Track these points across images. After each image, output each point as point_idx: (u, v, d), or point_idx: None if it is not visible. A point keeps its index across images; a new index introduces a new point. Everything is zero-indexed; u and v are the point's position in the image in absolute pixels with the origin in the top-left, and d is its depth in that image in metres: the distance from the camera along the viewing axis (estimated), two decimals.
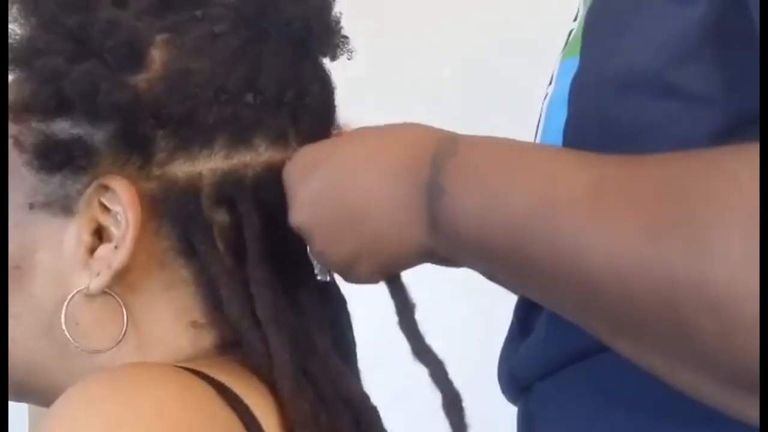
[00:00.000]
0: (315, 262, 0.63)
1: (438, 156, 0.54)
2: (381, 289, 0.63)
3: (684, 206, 0.43)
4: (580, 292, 0.47)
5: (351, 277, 0.61)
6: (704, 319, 0.41)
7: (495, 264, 0.53)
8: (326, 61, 0.68)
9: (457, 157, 0.54)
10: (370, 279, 0.61)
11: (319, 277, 0.64)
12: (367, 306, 0.71)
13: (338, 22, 0.67)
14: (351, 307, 0.69)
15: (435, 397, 0.61)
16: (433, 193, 0.54)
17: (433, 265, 0.61)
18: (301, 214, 0.60)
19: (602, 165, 0.48)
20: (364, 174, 0.57)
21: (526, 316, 0.64)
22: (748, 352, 0.40)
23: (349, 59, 0.68)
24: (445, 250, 0.55)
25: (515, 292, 0.66)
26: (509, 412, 0.66)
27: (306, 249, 0.63)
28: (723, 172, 0.42)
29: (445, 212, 0.53)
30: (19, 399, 0.64)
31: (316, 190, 0.59)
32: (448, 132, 0.57)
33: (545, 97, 0.65)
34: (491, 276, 0.59)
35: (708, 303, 0.41)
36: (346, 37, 0.67)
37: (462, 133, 0.57)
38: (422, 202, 0.54)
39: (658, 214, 0.43)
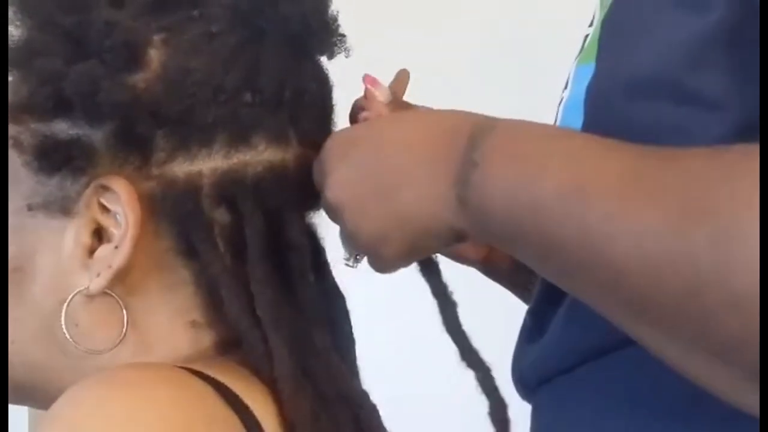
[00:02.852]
0: (344, 248, 0.63)
1: (475, 134, 0.55)
2: (381, 289, 0.63)
3: (711, 200, 0.43)
4: (605, 277, 0.47)
5: (379, 261, 0.61)
6: (727, 311, 0.42)
7: (521, 244, 0.53)
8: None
9: (493, 136, 0.54)
10: (397, 262, 0.61)
11: (347, 264, 0.64)
12: (367, 305, 0.71)
13: (335, 20, 0.67)
14: (351, 304, 0.69)
15: (435, 397, 0.62)
16: (465, 167, 0.54)
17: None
18: (336, 190, 0.60)
19: (635, 154, 0.49)
20: (400, 152, 0.58)
21: (540, 316, 0.64)
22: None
23: (346, 57, 0.68)
24: (472, 228, 0.55)
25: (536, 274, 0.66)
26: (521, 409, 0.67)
27: (310, 246, 0.64)
28: (747, 169, 0.43)
29: (475, 187, 0.53)
30: (19, 401, 0.64)
31: (353, 167, 0.60)
32: (486, 115, 0.58)
33: (560, 102, 0.66)
34: (515, 256, 0.59)
35: (731, 296, 0.41)
36: (343, 35, 0.67)
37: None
38: (454, 177, 0.54)
39: (686, 206, 0.44)
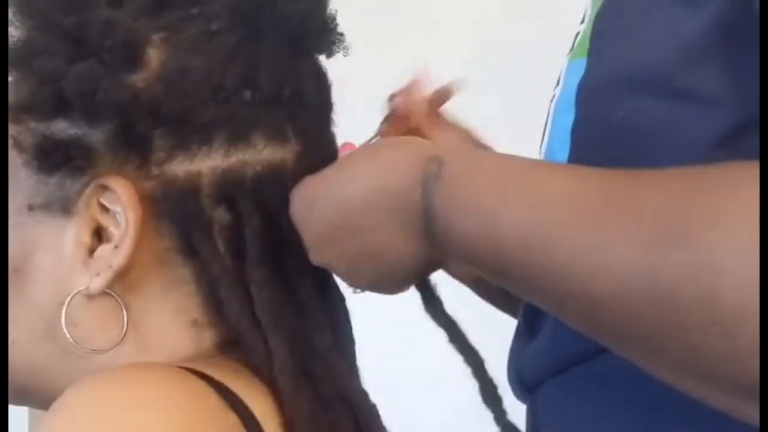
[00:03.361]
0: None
1: (425, 181, 0.54)
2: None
3: (689, 226, 0.42)
4: (585, 311, 0.46)
5: (380, 292, 0.62)
6: (713, 338, 0.41)
7: (498, 281, 0.53)
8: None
9: (443, 181, 0.53)
10: (398, 292, 0.62)
11: (354, 292, 0.65)
12: (366, 305, 0.71)
13: (334, 19, 0.67)
14: (350, 305, 0.69)
15: (435, 396, 0.62)
16: (428, 219, 0.54)
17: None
18: (316, 255, 0.61)
19: (604, 178, 0.47)
20: (365, 213, 0.57)
21: (533, 317, 0.64)
22: (756, 367, 0.40)
23: (345, 56, 0.68)
24: (453, 265, 0.56)
25: None
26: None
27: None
28: (727, 191, 0.42)
29: (440, 239, 0.54)
30: (20, 402, 0.64)
31: (320, 230, 0.60)
32: (431, 149, 0.56)
33: (552, 99, 0.65)
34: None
35: (716, 323, 0.40)
36: (341, 34, 0.67)
37: (444, 147, 0.57)
38: (422, 229, 0.54)
39: (663, 234, 0.42)
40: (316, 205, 0.60)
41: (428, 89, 0.73)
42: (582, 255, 0.45)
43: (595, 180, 0.47)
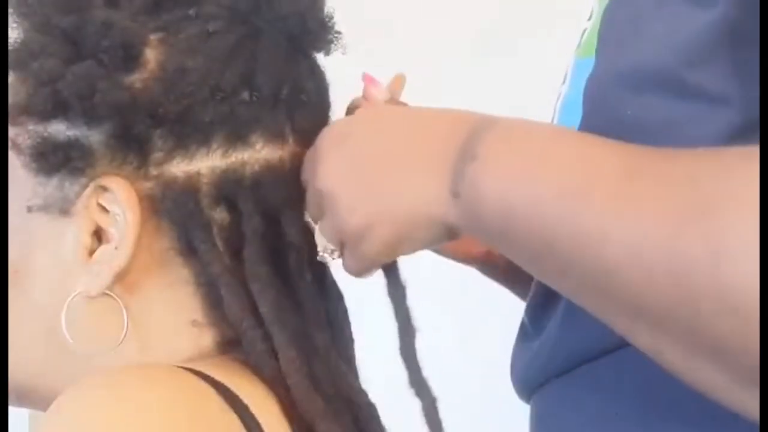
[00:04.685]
0: (321, 241, 0.62)
1: (476, 129, 0.54)
2: (380, 287, 0.63)
3: (707, 203, 0.43)
4: (599, 278, 0.47)
5: (359, 255, 0.60)
6: (723, 315, 0.42)
7: (512, 241, 0.53)
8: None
9: (495, 131, 0.54)
10: (379, 257, 0.60)
11: (321, 257, 0.64)
12: (366, 304, 0.71)
13: (331, 18, 0.67)
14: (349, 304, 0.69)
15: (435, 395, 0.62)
16: (462, 160, 0.53)
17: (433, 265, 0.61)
18: (326, 179, 0.59)
19: (635, 153, 0.49)
20: (397, 144, 0.58)
21: (537, 314, 0.64)
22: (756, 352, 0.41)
23: (343, 54, 0.68)
24: (463, 222, 0.55)
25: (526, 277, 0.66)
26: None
27: (308, 245, 0.63)
28: (743, 173, 0.43)
29: (470, 180, 0.53)
30: (20, 404, 0.64)
31: (346, 157, 0.59)
32: (485, 114, 0.58)
33: (558, 97, 0.65)
34: (506, 254, 0.59)
35: (727, 300, 0.41)
36: (339, 33, 0.67)
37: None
38: (449, 170, 0.54)
39: (683, 208, 0.44)
40: (354, 136, 0.60)
41: (381, 88, 0.74)
42: (607, 217, 0.47)
43: (629, 151, 0.49)
